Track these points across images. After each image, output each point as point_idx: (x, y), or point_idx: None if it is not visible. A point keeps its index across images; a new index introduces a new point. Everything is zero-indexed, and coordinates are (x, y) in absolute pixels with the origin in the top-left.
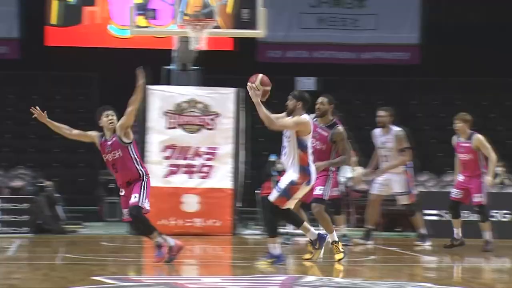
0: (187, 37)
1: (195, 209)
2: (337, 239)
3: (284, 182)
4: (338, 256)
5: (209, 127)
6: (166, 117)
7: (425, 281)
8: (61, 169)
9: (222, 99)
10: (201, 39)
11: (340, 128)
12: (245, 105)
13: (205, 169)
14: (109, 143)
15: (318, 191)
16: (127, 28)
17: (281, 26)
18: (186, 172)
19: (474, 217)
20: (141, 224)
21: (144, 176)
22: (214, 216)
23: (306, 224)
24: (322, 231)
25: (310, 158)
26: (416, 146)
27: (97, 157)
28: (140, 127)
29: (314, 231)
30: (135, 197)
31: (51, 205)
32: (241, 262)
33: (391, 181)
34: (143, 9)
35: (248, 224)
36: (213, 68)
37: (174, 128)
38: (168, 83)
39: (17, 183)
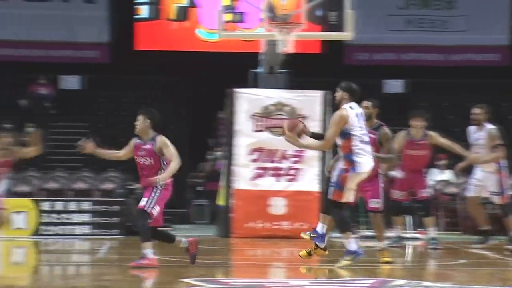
0: (274, 40)
1: (282, 212)
2: (385, 247)
3: (334, 176)
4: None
5: None
6: (253, 120)
7: None
8: None
9: (310, 102)
10: (288, 42)
11: (386, 129)
12: (332, 108)
13: (292, 172)
14: (144, 147)
15: (375, 204)
16: (215, 31)
17: (369, 28)
18: (273, 175)
19: None
20: (140, 229)
21: (160, 185)
22: (301, 219)
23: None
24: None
25: (356, 146)
26: (509, 146)
27: (185, 160)
28: (227, 130)
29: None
30: (143, 201)
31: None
32: (328, 265)
33: (486, 181)
34: (231, 13)
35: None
36: (300, 71)
37: (261, 131)
38: (255, 86)
39: (108, 186)
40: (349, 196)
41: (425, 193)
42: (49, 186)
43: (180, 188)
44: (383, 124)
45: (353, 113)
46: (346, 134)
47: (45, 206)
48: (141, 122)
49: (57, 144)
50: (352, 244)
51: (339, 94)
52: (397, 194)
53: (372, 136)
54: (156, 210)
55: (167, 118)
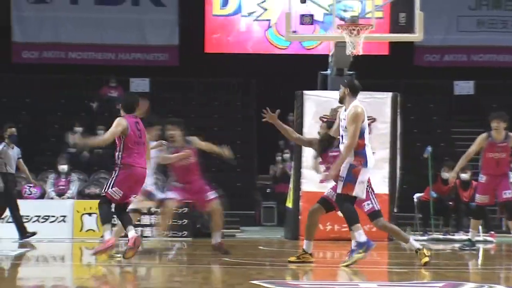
0: (343, 42)
1: None
2: (419, 247)
3: (344, 170)
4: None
5: None
6: (321, 122)
7: None
8: (219, 174)
9: (378, 104)
10: (357, 44)
11: None
12: (402, 110)
13: None
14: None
15: (366, 206)
16: (284, 34)
17: (439, 30)
18: None
19: None
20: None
21: (118, 167)
22: (369, 221)
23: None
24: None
25: (366, 143)
26: None
27: (254, 162)
28: (296, 132)
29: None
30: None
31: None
32: (398, 268)
33: None
34: (300, 15)
35: (405, 229)
36: (368, 72)
37: None
38: (324, 88)
39: None
40: (360, 190)
41: (509, 194)
42: None
43: (248, 190)
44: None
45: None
46: (361, 134)
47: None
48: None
49: None
50: (362, 235)
51: (341, 90)
52: (480, 198)
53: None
54: (114, 192)
55: (236, 120)
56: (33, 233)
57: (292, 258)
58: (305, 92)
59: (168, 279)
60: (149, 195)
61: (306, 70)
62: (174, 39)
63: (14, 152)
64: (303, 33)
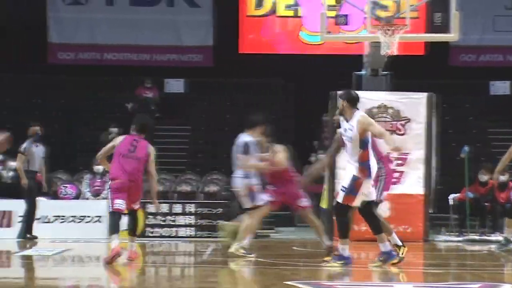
0: (378, 42)
1: (386, 215)
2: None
3: (346, 180)
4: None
5: (400, 132)
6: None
7: None
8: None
9: (414, 104)
10: (392, 44)
11: None
12: (437, 110)
13: (395, 174)
14: None
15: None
16: (318, 34)
17: (475, 29)
18: None
19: None
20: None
21: None
22: (405, 222)
23: (384, 235)
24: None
25: (370, 154)
26: None
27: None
28: (331, 132)
29: (388, 244)
30: None
31: (243, 210)
32: (433, 269)
33: None
34: (334, 15)
35: (440, 230)
36: (404, 72)
37: None
38: (358, 88)
39: (212, 188)
40: (359, 201)
41: None
42: None
43: None
44: None
45: None
46: (366, 145)
47: (151, 208)
48: None
49: (162, 147)
50: (346, 251)
51: (340, 103)
52: None
53: None
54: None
55: (271, 120)
56: (35, 237)
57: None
58: (340, 92)
59: (202, 280)
60: (250, 194)
61: (341, 70)
62: (209, 39)
63: (39, 150)
64: (339, 33)
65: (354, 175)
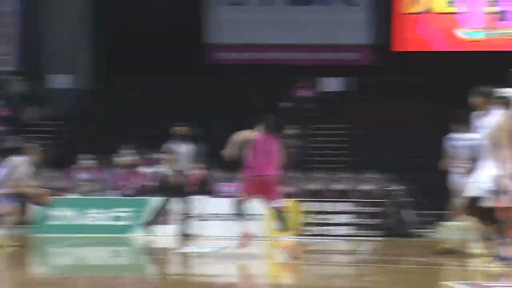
0: None
1: None
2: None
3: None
4: None
5: None
6: None
7: None
8: (417, 173)
9: None
10: None
11: None
12: None
13: None
14: None
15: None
16: (478, 30)
17: None
18: None
19: None
20: None
21: None
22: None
23: None
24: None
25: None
26: None
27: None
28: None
29: None
30: None
31: (399, 209)
32: None
33: None
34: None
35: None
36: None
37: None
38: None
39: (367, 187)
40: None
41: None
42: (310, 187)
43: (441, 190)
44: None
45: None
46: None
47: (307, 207)
48: None
49: (318, 145)
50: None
51: (478, 99)
52: None
53: None
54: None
55: (431, 119)
56: (192, 235)
57: None
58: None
59: (358, 278)
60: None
61: (501, 67)
62: (365, 38)
63: (183, 149)
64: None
65: (498, 175)
